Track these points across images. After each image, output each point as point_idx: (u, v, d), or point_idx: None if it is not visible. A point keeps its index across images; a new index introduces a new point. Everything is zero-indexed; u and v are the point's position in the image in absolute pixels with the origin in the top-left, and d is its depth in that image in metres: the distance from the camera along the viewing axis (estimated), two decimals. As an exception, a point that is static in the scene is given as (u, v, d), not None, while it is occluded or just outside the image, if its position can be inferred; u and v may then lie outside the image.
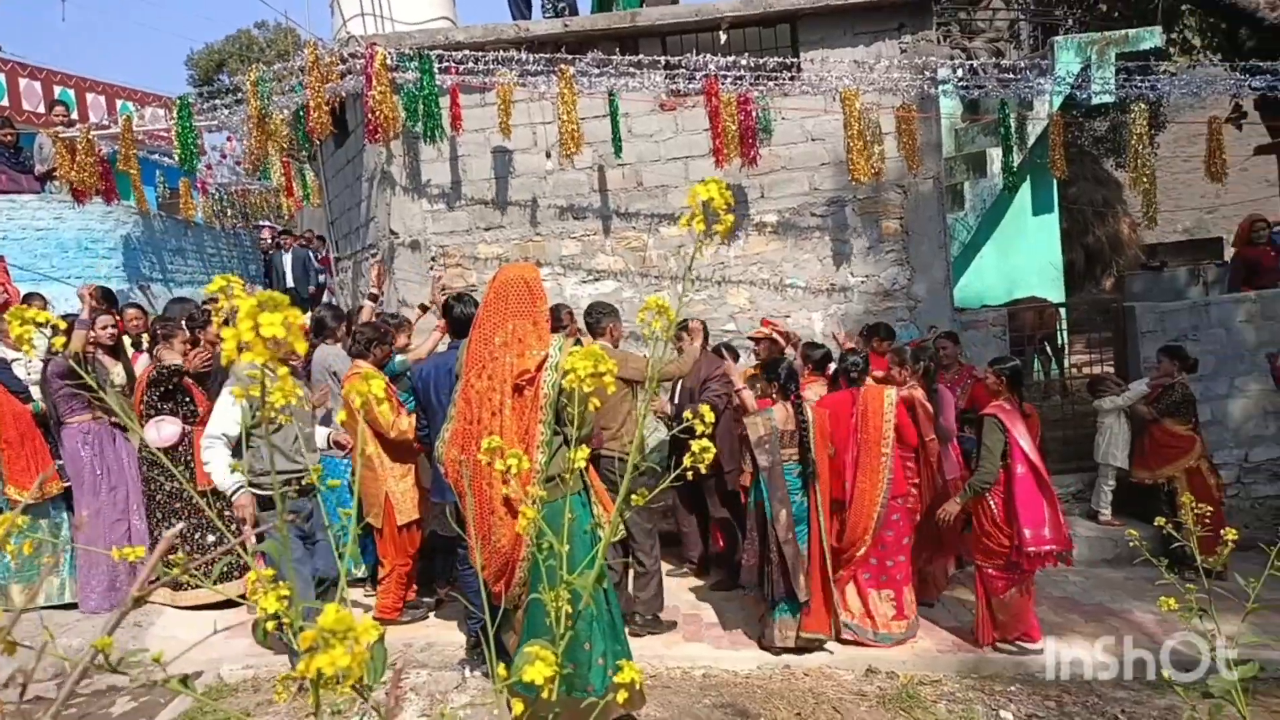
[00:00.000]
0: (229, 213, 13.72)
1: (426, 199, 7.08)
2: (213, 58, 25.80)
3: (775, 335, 5.82)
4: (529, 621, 3.28)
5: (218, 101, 7.45)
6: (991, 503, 4.82)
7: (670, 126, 7.00)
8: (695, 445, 1.26)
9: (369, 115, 6.31)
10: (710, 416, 1.21)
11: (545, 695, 0.77)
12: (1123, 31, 8.06)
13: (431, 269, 7.02)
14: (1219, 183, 7.50)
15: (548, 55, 6.56)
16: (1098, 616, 5.42)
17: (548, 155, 7.00)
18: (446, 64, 6.50)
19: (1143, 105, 7.13)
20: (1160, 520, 2.70)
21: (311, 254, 11.10)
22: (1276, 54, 6.93)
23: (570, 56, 6.53)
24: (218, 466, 4.21)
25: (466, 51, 6.55)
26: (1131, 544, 2.61)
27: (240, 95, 7.04)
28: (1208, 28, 11.52)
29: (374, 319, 5.64)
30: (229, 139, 14.73)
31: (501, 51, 6.57)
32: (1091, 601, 5.71)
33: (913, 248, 7.05)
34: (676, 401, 5.71)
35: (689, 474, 1.19)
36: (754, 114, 6.47)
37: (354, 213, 8.11)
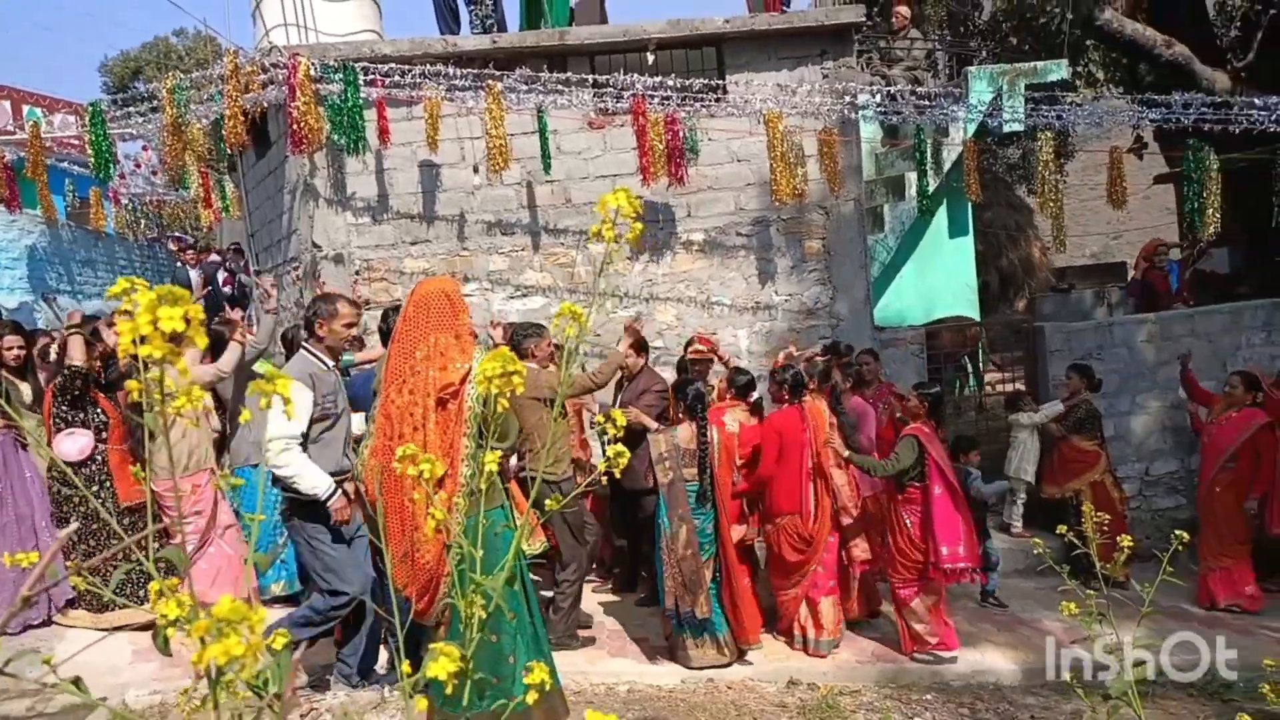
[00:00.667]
0: (143, 224, 13.29)
1: (351, 212, 6.98)
2: (128, 65, 24.87)
3: (713, 355, 5.86)
4: (450, 635, 3.24)
5: (132, 109, 7.22)
6: (908, 521, 5.01)
7: (599, 144, 7.05)
8: (610, 450, 1.27)
9: (292, 127, 6.20)
10: (622, 421, 1.23)
11: (450, 692, 0.77)
12: (1032, 64, 8.38)
13: (355, 283, 6.91)
14: (1121, 209, 7.90)
15: (476, 71, 6.55)
16: (1009, 626, 5.61)
17: (475, 170, 6.97)
18: (372, 76, 6.44)
19: (1049, 134, 7.47)
20: (1062, 529, 2.82)
21: (231, 269, 10.77)
22: (1171, 88, 7.35)
23: (499, 73, 6.54)
24: (307, 470, 3.63)
25: (393, 65, 6.50)
26: (1037, 552, 2.72)
27: (156, 103, 6.84)
28: (1110, 62, 12.11)
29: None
30: (144, 148, 14.27)
31: (429, 66, 6.54)
32: (1004, 612, 5.89)
33: (835, 267, 7.23)
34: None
35: (604, 479, 1.21)
36: (681, 134, 6.57)
37: (275, 225, 7.93)
